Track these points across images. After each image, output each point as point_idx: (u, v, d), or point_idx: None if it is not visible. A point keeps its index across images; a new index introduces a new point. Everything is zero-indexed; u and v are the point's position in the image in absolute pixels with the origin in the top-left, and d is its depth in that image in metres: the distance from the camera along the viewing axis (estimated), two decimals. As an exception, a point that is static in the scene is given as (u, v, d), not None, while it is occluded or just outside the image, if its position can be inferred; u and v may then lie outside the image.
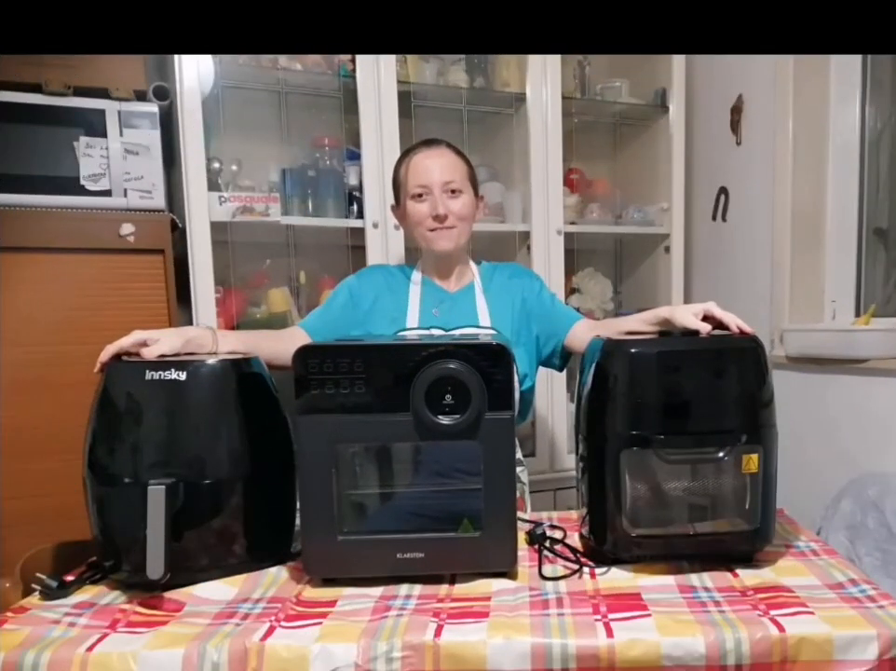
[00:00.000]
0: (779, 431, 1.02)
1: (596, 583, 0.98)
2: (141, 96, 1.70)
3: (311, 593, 0.97)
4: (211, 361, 1.03)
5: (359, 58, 1.90)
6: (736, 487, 1.02)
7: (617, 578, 1.00)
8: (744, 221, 2.23)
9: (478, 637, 0.83)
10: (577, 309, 1.99)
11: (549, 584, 0.98)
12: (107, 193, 1.66)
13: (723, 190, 2.30)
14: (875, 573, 1.58)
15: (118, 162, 1.66)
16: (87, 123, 1.64)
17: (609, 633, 0.83)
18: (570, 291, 2.32)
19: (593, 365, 1.05)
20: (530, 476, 1.57)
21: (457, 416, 0.95)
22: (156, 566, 0.91)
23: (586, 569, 1.02)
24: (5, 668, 0.81)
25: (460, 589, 0.97)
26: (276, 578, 1.03)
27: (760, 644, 0.81)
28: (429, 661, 0.82)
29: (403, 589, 0.97)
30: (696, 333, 1.08)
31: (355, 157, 1.97)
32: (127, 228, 1.66)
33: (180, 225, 1.77)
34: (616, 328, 1.27)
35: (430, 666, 0.82)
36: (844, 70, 2.01)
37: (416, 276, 1.49)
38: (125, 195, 1.67)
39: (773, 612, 0.86)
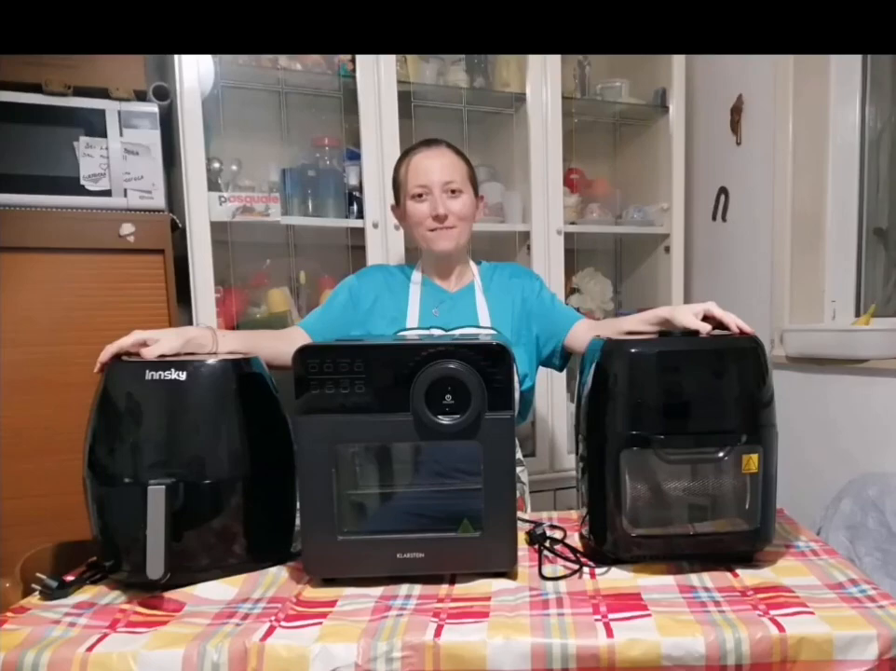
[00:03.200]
0: (779, 431, 1.02)
1: (596, 583, 0.98)
2: (141, 96, 1.70)
3: (311, 593, 0.97)
4: (211, 361, 1.03)
5: (359, 58, 1.90)
6: (736, 487, 1.02)
7: (617, 578, 1.00)
8: (744, 221, 2.23)
9: (478, 637, 0.83)
10: (577, 309, 1.99)
11: (550, 584, 0.98)
12: (107, 193, 1.66)
13: (723, 190, 2.30)
14: (875, 573, 1.58)
15: (118, 162, 1.66)
16: (87, 123, 1.64)
17: (609, 633, 0.83)
18: (570, 291, 2.32)
19: (593, 365, 1.05)
20: (530, 476, 1.57)
21: (457, 416, 0.95)
22: (156, 566, 0.91)
23: (586, 569, 1.02)
24: (5, 668, 0.81)
25: (460, 589, 0.97)
26: (276, 578, 1.03)
27: (760, 644, 0.81)
28: (429, 661, 0.82)
29: (403, 589, 0.97)
30: (696, 333, 1.08)
31: (355, 157, 1.97)
32: (127, 228, 1.66)
33: (180, 225, 1.77)
34: (616, 328, 1.27)
35: (430, 666, 0.82)
36: (844, 70, 2.01)
37: (416, 276, 1.49)
38: (125, 195, 1.67)
39: (773, 612, 0.86)
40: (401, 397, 0.96)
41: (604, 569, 1.02)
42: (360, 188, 1.94)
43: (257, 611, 0.92)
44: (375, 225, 1.92)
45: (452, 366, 0.95)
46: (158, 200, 1.71)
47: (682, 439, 1.00)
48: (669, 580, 0.98)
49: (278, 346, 1.24)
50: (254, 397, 1.07)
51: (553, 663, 0.81)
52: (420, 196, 1.40)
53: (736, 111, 2.21)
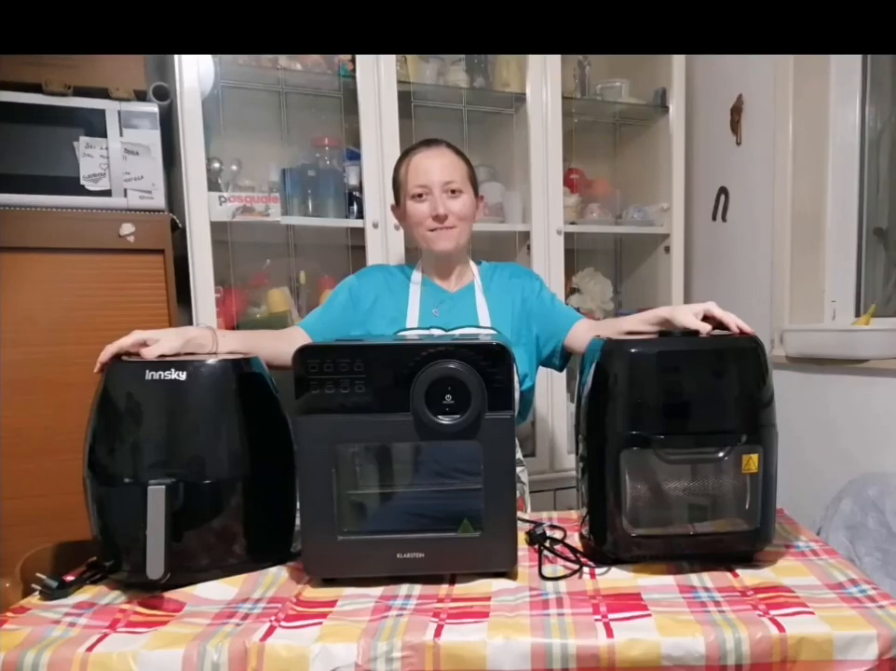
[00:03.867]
0: (779, 431, 1.02)
1: (596, 583, 0.98)
2: (141, 96, 1.70)
3: (311, 593, 0.97)
4: (211, 361, 1.03)
5: (359, 58, 1.90)
6: (736, 487, 1.02)
7: (617, 578, 1.00)
8: (744, 221, 2.23)
9: (478, 637, 0.83)
10: (578, 309, 1.99)
11: (550, 584, 0.98)
12: (107, 193, 1.66)
13: (723, 190, 2.30)
14: (876, 573, 1.58)
15: (118, 162, 1.66)
16: (87, 123, 1.64)
17: (609, 633, 0.83)
18: (570, 291, 2.32)
19: (593, 365, 1.05)
20: (530, 476, 1.57)
21: (457, 416, 0.95)
22: (155, 566, 0.91)
23: (586, 569, 1.02)
24: (5, 668, 0.81)
25: (460, 589, 0.97)
26: (276, 578, 1.03)
27: (760, 644, 0.81)
28: (429, 661, 0.82)
29: (403, 589, 0.97)
30: (696, 333, 1.08)
31: (355, 157, 1.97)
32: (127, 228, 1.66)
33: (180, 225, 1.77)
34: (616, 328, 1.27)
35: (430, 666, 0.82)
36: (844, 70, 2.01)
37: (416, 276, 1.49)
38: (125, 195, 1.67)
39: (773, 612, 0.86)
40: (401, 397, 0.96)
41: (604, 569, 1.02)
42: (360, 188, 1.94)
43: (257, 611, 0.92)
44: (375, 226, 1.92)
45: (452, 366, 0.95)
46: (158, 200, 1.71)
47: (682, 439, 0.99)
48: (669, 580, 0.98)
49: (278, 346, 1.24)
50: (254, 397, 1.07)
51: (553, 663, 0.81)
52: (420, 196, 1.40)
53: (736, 111, 2.21)
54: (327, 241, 2.07)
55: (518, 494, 1.22)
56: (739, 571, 1.00)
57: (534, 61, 2.08)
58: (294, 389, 0.96)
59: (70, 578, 1.02)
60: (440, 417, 0.95)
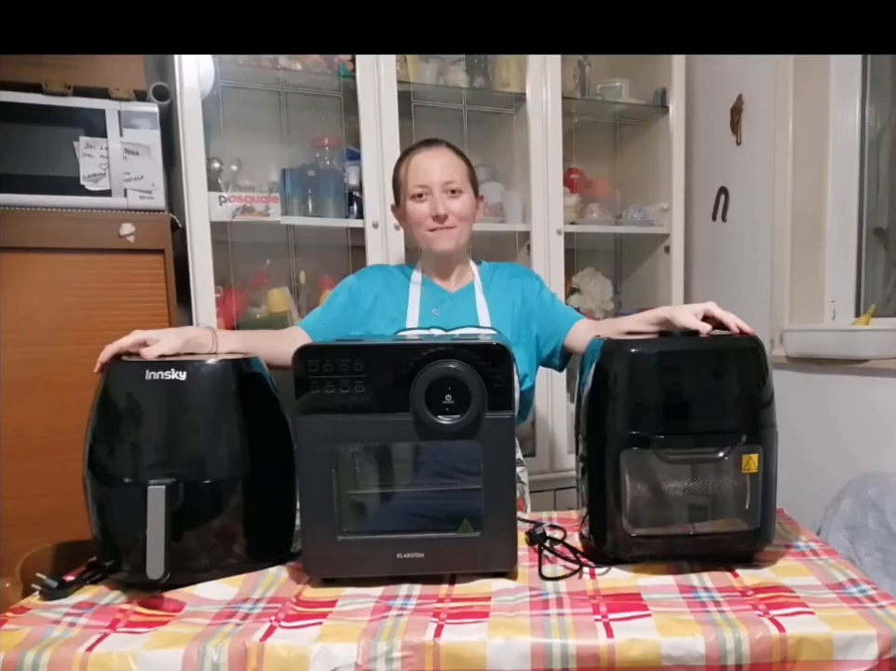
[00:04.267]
0: (779, 431, 1.02)
1: (596, 583, 0.98)
2: (141, 96, 1.70)
3: (311, 593, 0.97)
4: (211, 361, 1.03)
5: (359, 58, 1.90)
6: (736, 487, 1.02)
7: (617, 578, 1.00)
8: (744, 221, 2.23)
9: (478, 637, 0.83)
10: (578, 309, 1.99)
11: (550, 584, 0.98)
12: (107, 193, 1.66)
13: (723, 190, 2.30)
14: (876, 573, 1.58)
15: (118, 162, 1.66)
16: (87, 123, 1.64)
17: (609, 633, 0.83)
18: (570, 291, 2.32)
19: (593, 365, 1.05)
20: (530, 476, 1.57)
21: (457, 416, 0.95)
22: (155, 566, 0.91)
23: (586, 569, 1.02)
24: (5, 668, 0.81)
25: (460, 589, 0.97)
26: (276, 578, 1.03)
27: (760, 644, 0.81)
28: (429, 661, 0.82)
29: (403, 589, 0.97)
30: (696, 333, 1.08)
31: (355, 157, 1.97)
32: (127, 228, 1.66)
33: (180, 225, 1.77)
34: (616, 328, 1.27)
35: (430, 666, 0.82)
36: (844, 70, 2.01)
37: (416, 276, 1.49)
38: (125, 195, 1.67)
39: (773, 612, 0.86)
40: (401, 397, 0.96)
41: (604, 569, 1.02)
42: (360, 188, 1.94)
43: (257, 611, 0.92)
44: (375, 226, 1.92)
45: (452, 366, 0.95)
46: (158, 200, 1.71)
47: (682, 439, 0.99)
48: (669, 580, 0.98)
49: (278, 346, 1.24)
50: (254, 397, 1.07)
51: (553, 663, 0.81)
52: (420, 196, 1.40)
53: (736, 111, 2.21)
54: (327, 241, 2.07)
55: (518, 494, 1.22)
56: (739, 571, 1.00)
57: (534, 61, 2.08)
58: (294, 389, 0.96)
59: (70, 578, 1.02)
60: (440, 417, 0.95)
